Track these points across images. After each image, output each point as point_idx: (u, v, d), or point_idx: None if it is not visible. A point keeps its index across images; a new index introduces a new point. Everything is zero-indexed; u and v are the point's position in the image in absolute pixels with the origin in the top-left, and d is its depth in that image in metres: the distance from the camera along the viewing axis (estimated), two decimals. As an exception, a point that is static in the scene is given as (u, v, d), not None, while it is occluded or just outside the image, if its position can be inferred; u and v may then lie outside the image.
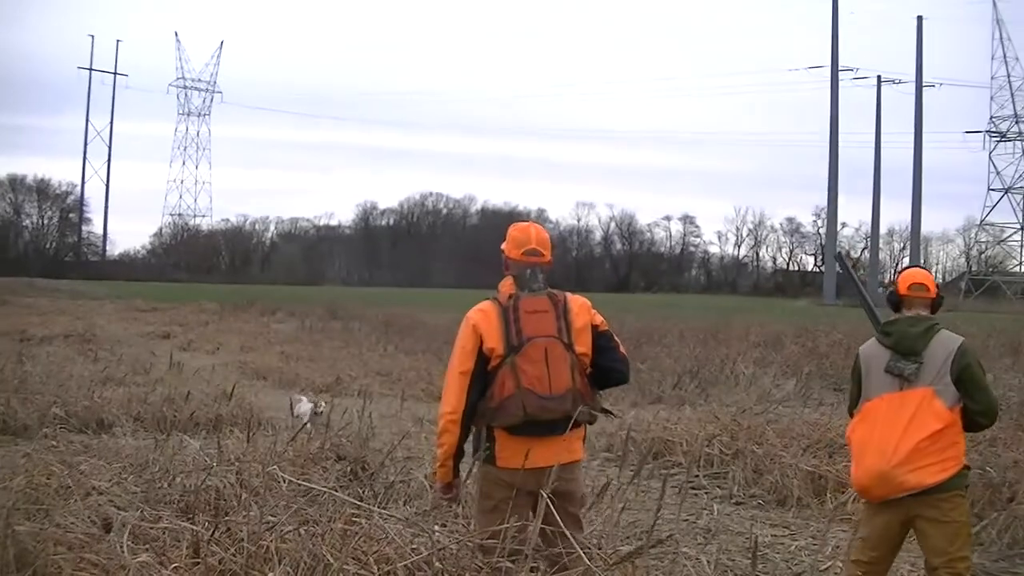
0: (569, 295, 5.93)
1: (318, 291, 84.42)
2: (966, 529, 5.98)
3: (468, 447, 5.89)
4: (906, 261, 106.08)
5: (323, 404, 12.34)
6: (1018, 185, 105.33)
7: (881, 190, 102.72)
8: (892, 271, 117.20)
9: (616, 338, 6.00)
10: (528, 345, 5.65)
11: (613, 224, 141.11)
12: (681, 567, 7.08)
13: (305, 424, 11.35)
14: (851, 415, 6.40)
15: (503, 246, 6.09)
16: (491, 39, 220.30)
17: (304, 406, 12.84)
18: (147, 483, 8.15)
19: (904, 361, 5.94)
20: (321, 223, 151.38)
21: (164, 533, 6.47)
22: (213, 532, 6.13)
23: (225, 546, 6.01)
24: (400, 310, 45.92)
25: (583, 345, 5.79)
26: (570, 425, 5.62)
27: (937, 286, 6.29)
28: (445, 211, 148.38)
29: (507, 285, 5.91)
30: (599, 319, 5.95)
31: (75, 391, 14.60)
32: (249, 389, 17.49)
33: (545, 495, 5.29)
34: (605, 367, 5.90)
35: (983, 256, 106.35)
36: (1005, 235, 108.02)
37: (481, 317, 5.77)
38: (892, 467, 5.78)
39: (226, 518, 6.59)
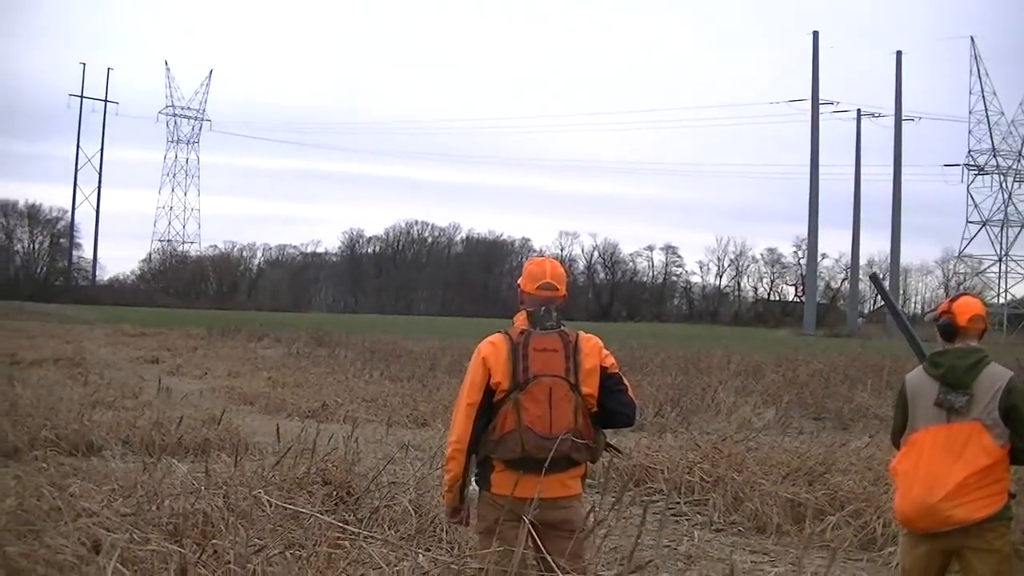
0: (582, 334, 5.91)
1: (304, 318, 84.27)
2: (1009, 558, 5.83)
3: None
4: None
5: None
6: (996, 218, 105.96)
7: (861, 222, 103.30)
8: (872, 302, 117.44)
9: (625, 381, 5.95)
10: (533, 383, 5.66)
11: (596, 253, 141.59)
12: (661, 592, 7.19)
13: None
14: (895, 444, 6.22)
15: (519, 280, 6.10)
16: (477, 70, 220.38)
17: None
18: (136, 506, 8.14)
19: (954, 394, 5.78)
20: (308, 250, 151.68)
21: (152, 555, 6.49)
22: (200, 555, 6.19)
23: (212, 568, 6.08)
24: (385, 337, 45.91)
25: (590, 386, 5.76)
26: (568, 464, 5.67)
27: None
28: (430, 239, 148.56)
29: (521, 320, 5.90)
30: (610, 361, 5.92)
31: (65, 414, 14.57)
32: (236, 414, 17.51)
33: (527, 521, 5.37)
34: (611, 409, 5.86)
35: (961, 287, 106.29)
36: (983, 267, 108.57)
37: (491, 351, 5.77)
38: (938, 501, 5.64)
39: (213, 541, 6.63)
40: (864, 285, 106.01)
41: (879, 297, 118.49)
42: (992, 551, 5.68)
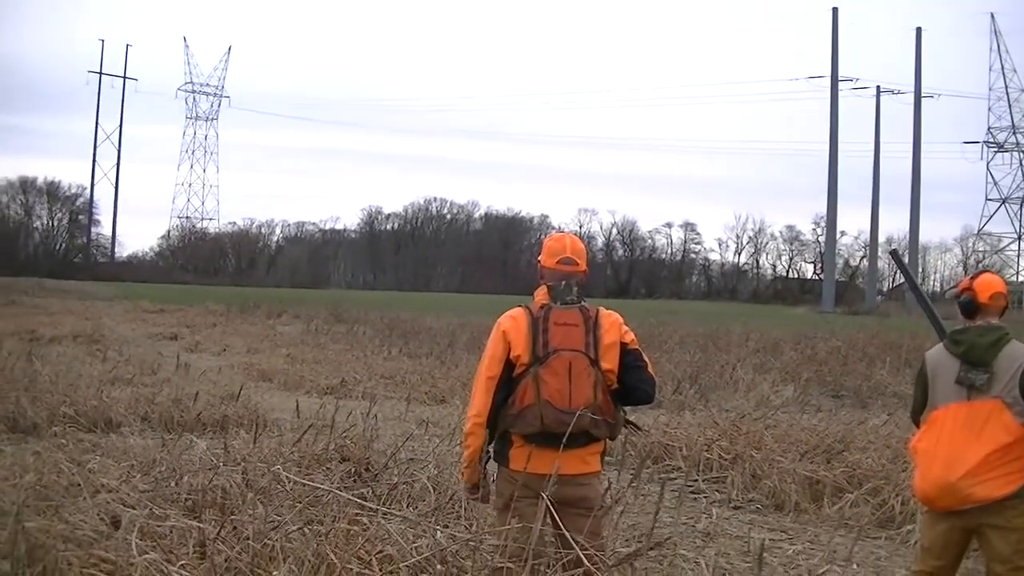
0: (602, 310, 5.89)
1: (323, 294, 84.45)
2: None
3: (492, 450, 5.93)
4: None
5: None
6: (1015, 195, 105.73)
7: (880, 199, 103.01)
8: (891, 280, 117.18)
9: (645, 357, 5.94)
10: (553, 357, 5.64)
11: (615, 230, 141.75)
12: (679, 570, 7.18)
13: None
14: (915, 422, 6.19)
15: (539, 256, 6.08)
16: (496, 46, 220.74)
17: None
18: (154, 482, 8.19)
19: (975, 371, 5.76)
20: (326, 227, 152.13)
21: (171, 531, 6.51)
22: (219, 531, 6.19)
23: (231, 544, 6.09)
24: (403, 314, 45.94)
25: (609, 362, 5.75)
26: (587, 440, 5.65)
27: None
28: (449, 216, 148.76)
29: (541, 294, 5.90)
30: (629, 337, 5.90)
31: (84, 391, 14.65)
32: (255, 390, 17.58)
33: (545, 498, 5.37)
34: (631, 385, 5.85)
35: (980, 265, 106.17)
36: (1002, 244, 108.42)
37: (511, 325, 5.77)
38: (959, 479, 5.63)
39: (232, 517, 6.64)
40: (883, 263, 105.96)
41: (898, 274, 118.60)
42: (1012, 529, 5.64)
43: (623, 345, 5.83)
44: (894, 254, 6.84)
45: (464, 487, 6.16)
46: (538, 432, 5.61)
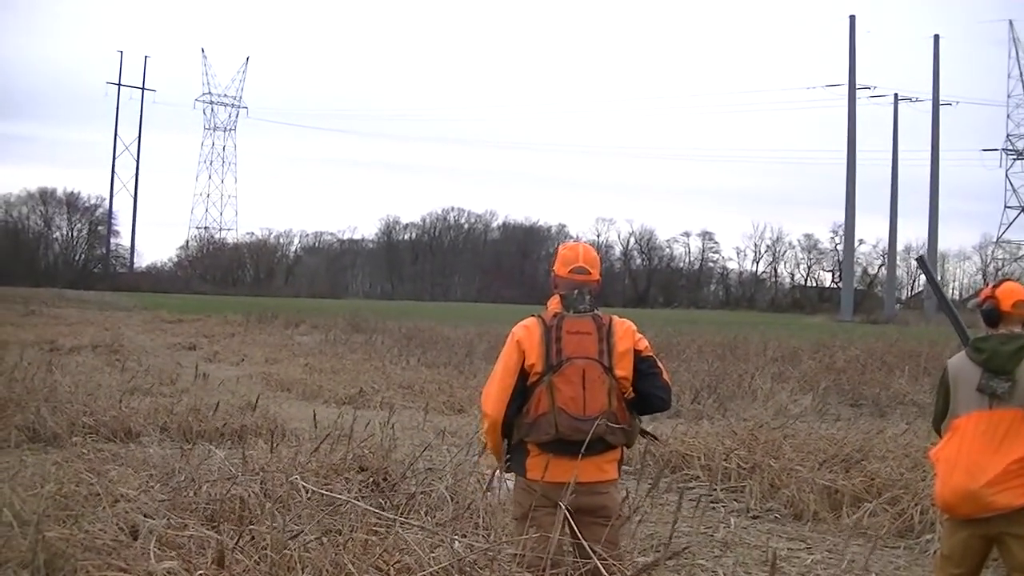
0: (615, 318, 5.91)
1: (341, 304, 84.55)
2: None
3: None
4: (923, 279, 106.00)
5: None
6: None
7: (898, 207, 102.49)
8: (910, 289, 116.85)
9: (660, 364, 5.96)
10: (567, 365, 5.67)
11: (633, 239, 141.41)
12: (697, 578, 7.18)
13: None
14: (937, 430, 6.18)
15: (552, 265, 6.12)
16: (516, 55, 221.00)
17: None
18: (173, 491, 8.21)
19: (996, 380, 5.74)
20: (344, 237, 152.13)
21: (190, 541, 6.54)
22: (238, 540, 6.21)
23: (249, 554, 6.10)
24: (421, 323, 45.93)
25: (623, 369, 5.76)
26: (604, 448, 5.68)
27: None
28: (466, 226, 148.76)
29: (554, 303, 5.93)
30: (643, 344, 5.92)
31: (103, 401, 14.70)
32: (273, 400, 17.62)
33: (563, 507, 5.37)
34: (646, 392, 5.86)
35: (1000, 273, 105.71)
36: (1022, 252, 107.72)
37: (525, 334, 5.80)
38: (981, 487, 5.60)
39: (250, 527, 6.65)
40: (902, 271, 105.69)
41: (917, 282, 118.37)
42: None
43: (637, 352, 5.85)
44: (921, 260, 6.85)
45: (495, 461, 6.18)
46: (553, 440, 5.63)
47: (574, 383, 5.65)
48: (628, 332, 5.88)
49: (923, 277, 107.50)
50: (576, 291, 5.90)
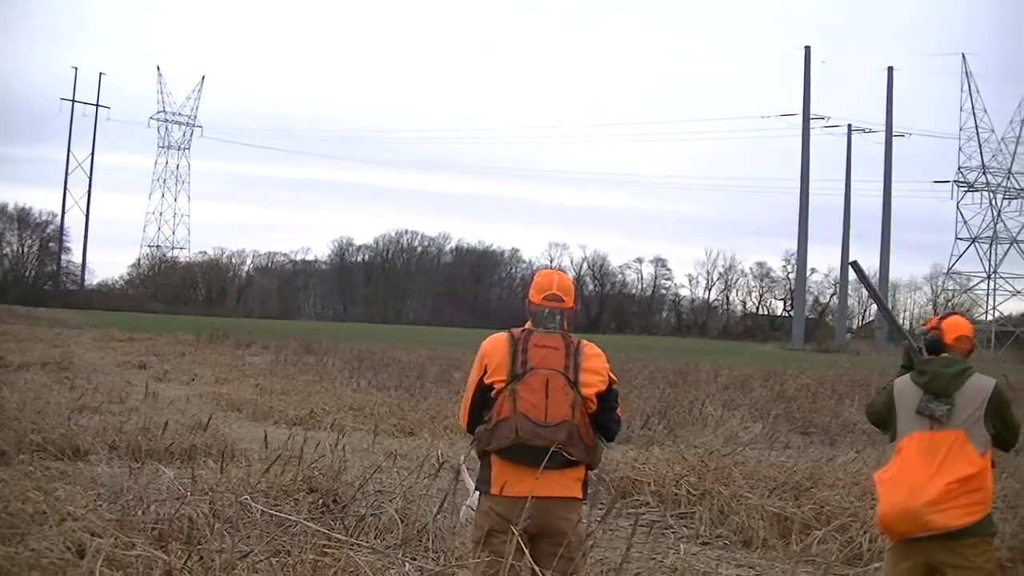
0: (585, 342, 6.00)
1: (293, 325, 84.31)
2: (992, 575, 5.84)
3: (471, 482, 5.97)
4: (875, 308, 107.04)
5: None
6: (985, 235, 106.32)
7: (851, 237, 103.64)
8: (860, 317, 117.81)
9: (618, 400, 6.04)
10: (530, 374, 5.72)
11: (585, 265, 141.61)
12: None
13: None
14: (868, 417, 6.44)
15: (527, 292, 6.19)
16: (469, 80, 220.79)
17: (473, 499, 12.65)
18: (121, 510, 8.14)
19: (936, 402, 5.84)
20: (297, 257, 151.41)
21: (137, 560, 6.49)
22: (186, 561, 6.19)
23: (198, 574, 6.08)
24: (373, 345, 45.89)
25: (589, 388, 5.82)
26: (565, 463, 5.67)
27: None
28: (420, 249, 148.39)
29: (527, 326, 6.03)
30: (613, 376, 6.00)
31: (52, 418, 14.57)
32: (223, 420, 17.49)
33: (516, 532, 5.37)
34: (601, 423, 5.92)
35: (950, 304, 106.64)
36: (972, 284, 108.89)
37: (490, 348, 5.91)
38: (920, 505, 5.68)
39: (199, 547, 6.64)
40: (853, 300, 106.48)
41: (868, 312, 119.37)
42: (972, 568, 5.69)
43: (610, 382, 5.94)
44: (855, 265, 6.94)
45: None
46: (512, 445, 5.64)
47: (536, 391, 5.69)
48: (598, 356, 5.97)
49: (875, 307, 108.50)
50: (546, 311, 5.99)
